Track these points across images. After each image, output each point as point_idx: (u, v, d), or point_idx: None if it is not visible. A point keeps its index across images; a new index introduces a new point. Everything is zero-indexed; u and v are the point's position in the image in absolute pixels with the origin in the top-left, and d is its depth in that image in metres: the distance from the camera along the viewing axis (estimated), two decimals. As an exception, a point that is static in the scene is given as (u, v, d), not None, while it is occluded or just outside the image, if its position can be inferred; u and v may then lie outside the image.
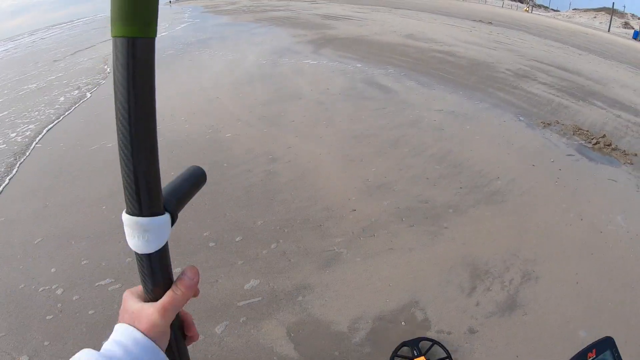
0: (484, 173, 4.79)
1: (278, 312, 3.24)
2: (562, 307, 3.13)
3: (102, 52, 12.20)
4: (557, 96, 6.66)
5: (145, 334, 0.66)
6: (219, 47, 10.78)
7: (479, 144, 5.37)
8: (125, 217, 0.63)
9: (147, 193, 0.61)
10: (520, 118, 6.02)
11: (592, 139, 5.41)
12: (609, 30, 11.95)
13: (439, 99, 6.75)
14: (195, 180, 0.77)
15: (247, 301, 3.36)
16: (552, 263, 3.51)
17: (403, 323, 3.07)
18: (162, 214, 0.64)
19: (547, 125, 5.80)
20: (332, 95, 7.04)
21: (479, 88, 7.17)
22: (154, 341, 0.67)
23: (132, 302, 0.70)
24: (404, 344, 2.81)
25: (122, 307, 0.71)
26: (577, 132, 5.59)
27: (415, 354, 2.69)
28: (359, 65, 8.52)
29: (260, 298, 3.37)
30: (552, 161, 4.96)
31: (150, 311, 0.67)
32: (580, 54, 8.67)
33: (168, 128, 6.33)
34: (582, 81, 7.22)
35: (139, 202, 0.60)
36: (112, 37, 0.53)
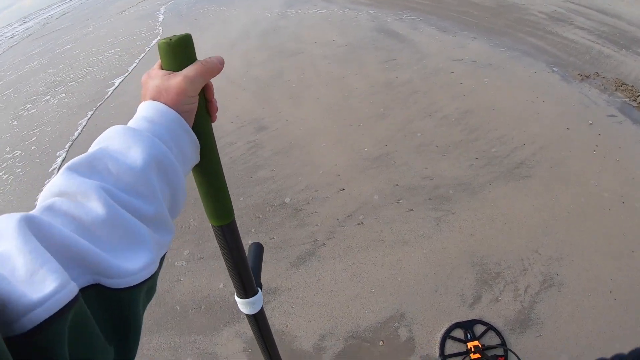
0: (506, 139, 3.96)
1: (237, 322, 2.72)
2: (587, 327, 2.40)
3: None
4: (597, 43, 5.60)
5: (170, 107, 0.67)
6: (228, 3, 10.05)
7: (504, 101, 4.49)
8: (237, 299, 1.07)
9: (248, 290, 1.04)
10: (554, 69, 5.05)
11: (638, 96, 4.42)
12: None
13: (460, 46, 5.80)
14: (260, 255, 1.20)
15: (205, 306, 2.87)
16: (582, 263, 2.74)
17: (381, 343, 2.45)
18: (257, 292, 1.07)
19: (585, 77, 4.82)
20: (337, 48, 6.19)
21: (506, 33, 6.13)
22: (180, 113, 0.68)
23: (156, 77, 0.70)
24: (457, 325, 2.47)
25: (143, 90, 0.72)
26: (620, 87, 4.60)
27: (469, 337, 2.40)
28: (372, 11, 7.53)
29: (220, 303, 2.85)
30: (591, 123, 4.05)
31: (179, 79, 0.67)
32: (620, -4, 7.46)
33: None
34: (625, 26, 6.09)
35: (245, 293, 1.04)
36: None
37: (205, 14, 9.48)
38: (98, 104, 6.09)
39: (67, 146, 5.18)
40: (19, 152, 5.44)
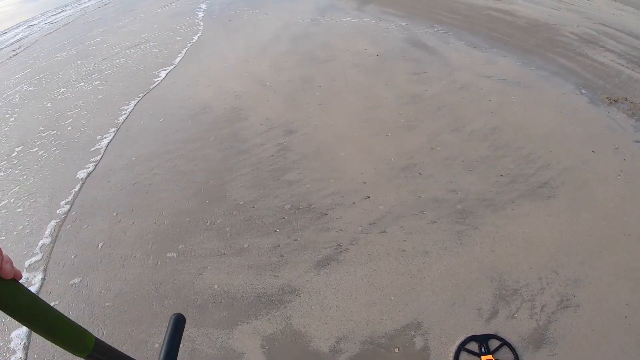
0: (532, 158, 3.99)
1: (256, 318, 2.80)
2: (601, 350, 2.42)
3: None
4: (627, 67, 5.60)
5: None
6: (261, 7, 10.20)
7: (531, 121, 4.52)
8: None
9: None
10: (583, 91, 5.06)
11: (667, 122, 4.43)
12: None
13: (490, 63, 5.83)
14: (177, 335, 0.98)
15: (225, 301, 2.96)
16: (600, 286, 2.77)
17: (396, 350, 2.51)
18: None
19: (613, 101, 4.83)
20: (369, 57, 6.28)
21: (537, 52, 6.14)
22: None
23: None
24: (472, 338, 2.51)
25: None
26: (648, 114, 4.62)
27: (483, 351, 2.43)
28: (404, 23, 7.60)
29: (240, 299, 2.93)
30: (616, 148, 4.06)
31: None
32: (654, 21, 7.42)
33: (188, 95, 5.91)
34: (656, 52, 6.11)
35: None
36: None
37: (238, 16, 9.64)
38: (140, 94, 6.24)
39: (111, 130, 5.32)
40: (55, 131, 5.62)
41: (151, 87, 6.40)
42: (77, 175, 4.51)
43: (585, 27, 7.09)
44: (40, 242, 3.73)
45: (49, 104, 6.55)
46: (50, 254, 3.58)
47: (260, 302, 2.89)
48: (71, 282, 3.27)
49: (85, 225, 3.82)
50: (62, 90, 7.00)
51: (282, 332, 2.68)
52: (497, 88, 5.20)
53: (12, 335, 2.94)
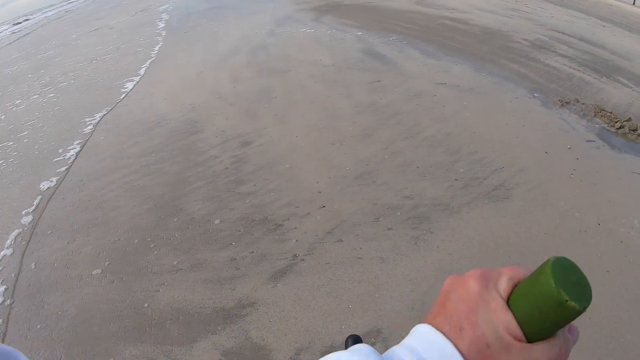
0: (486, 161, 4.04)
1: (214, 333, 2.71)
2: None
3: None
4: (578, 70, 5.81)
5: None
6: (220, 18, 10.12)
7: (485, 125, 4.60)
8: None
9: None
10: (535, 94, 5.20)
11: (616, 122, 4.59)
12: (634, 3, 10.77)
13: (444, 70, 5.94)
14: None
15: (183, 317, 2.85)
16: (555, 284, 2.80)
17: (357, 359, 2.44)
18: None
19: (565, 103, 4.98)
20: (324, 67, 6.30)
21: (490, 59, 6.31)
22: None
23: (490, 304, 0.46)
24: None
25: (440, 309, 0.50)
26: (599, 114, 4.77)
27: None
28: (360, 33, 7.68)
29: (197, 315, 2.83)
30: (569, 148, 4.18)
31: None
32: (604, 26, 7.72)
33: (144, 108, 5.76)
34: (607, 55, 6.34)
35: None
36: None
37: (198, 27, 9.54)
38: (107, 107, 6.02)
39: (75, 143, 5.13)
40: (11, 143, 5.39)
41: (118, 99, 6.23)
42: (41, 187, 4.34)
43: (537, 34, 7.31)
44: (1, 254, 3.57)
45: (3, 116, 6.33)
46: (19, 272, 3.42)
47: (218, 316, 2.80)
48: (29, 302, 3.12)
49: (40, 244, 3.66)
50: (17, 101, 6.78)
51: (241, 346, 2.60)
52: (450, 95, 5.28)
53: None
